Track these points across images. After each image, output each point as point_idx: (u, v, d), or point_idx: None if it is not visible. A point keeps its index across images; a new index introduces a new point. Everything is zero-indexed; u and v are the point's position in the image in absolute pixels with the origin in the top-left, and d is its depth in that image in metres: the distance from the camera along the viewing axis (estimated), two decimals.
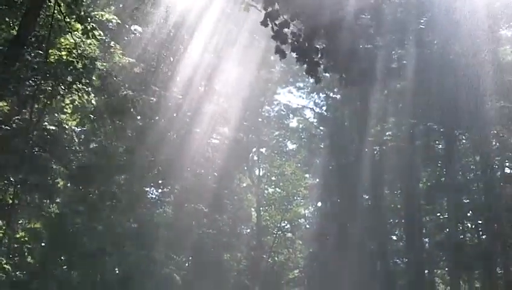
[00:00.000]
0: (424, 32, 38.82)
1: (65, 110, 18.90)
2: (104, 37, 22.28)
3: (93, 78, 17.63)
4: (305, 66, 14.76)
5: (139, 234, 25.69)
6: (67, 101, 18.50)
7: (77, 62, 17.59)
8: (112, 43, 25.94)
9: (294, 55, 14.41)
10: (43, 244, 24.27)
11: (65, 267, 24.91)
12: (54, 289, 23.11)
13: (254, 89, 44.45)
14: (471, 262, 37.01)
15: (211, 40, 36.71)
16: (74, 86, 17.55)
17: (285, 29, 14.18)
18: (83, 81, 17.51)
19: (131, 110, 17.19)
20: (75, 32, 17.70)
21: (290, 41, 14.25)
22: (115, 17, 21.94)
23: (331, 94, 48.54)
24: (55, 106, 18.97)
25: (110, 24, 21.27)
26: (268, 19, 13.81)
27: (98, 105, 18.84)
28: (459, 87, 36.01)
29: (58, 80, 17.14)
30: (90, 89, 18.16)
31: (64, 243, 22.72)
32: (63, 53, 17.71)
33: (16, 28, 16.90)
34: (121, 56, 25.40)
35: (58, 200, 21.68)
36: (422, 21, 39.14)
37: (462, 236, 39.96)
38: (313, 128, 52.07)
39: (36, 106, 19.07)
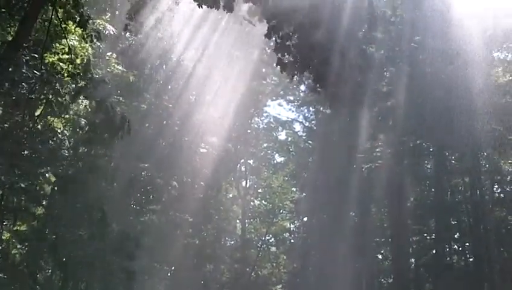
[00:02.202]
0: (416, 52, 38.73)
1: (57, 113, 18.53)
2: (99, 44, 22.02)
3: (88, 84, 17.32)
4: (307, 75, 14.60)
5: (121, 245, 25.13)
6: (60, 106, 18.19)
7: (72, 67, 17.34)
8: (108, 53, 25.69)
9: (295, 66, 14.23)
10: (23, 246, 24.01)
11: (49, 271, 24.58)
12: None
13: (244, 101, 44.19)
14: (457, 284, 36.70)
15: (203, 51, 36.57)
16: (67, 90, 17.26)
17: (288, 42, 14.05)
18: (78, 86, 17.24)
19: (125, 126, 16.84)
20: (73, 36, 17.50)
21: (292, 52, 14.10)
22: (109, 26, 21.69)
23: (321, 108, 48.37)
24: (49, 110, 18.60)
25: (106, 31, 20.96)
26: (272, 32, 13.67)
27: (91, 115, 18.49)
28: (450, 108, 35.88)
29: (53, 84, 16.84)
30: (83, 94, 17.85)
31: (48, 247, 22.37)
32: (57, 58, 17.45)
33: (13, 32, 16.88)
34: (115, 64, 25.09)
35: (44, 203, 21.32)
36: (414, 40, 39.07)
37: (449, 258, 39.70)
38: (301, 142, 51.89)
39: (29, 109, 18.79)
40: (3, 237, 22.02)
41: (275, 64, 14.38)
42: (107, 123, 17.36)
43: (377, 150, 42.28)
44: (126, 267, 24.44)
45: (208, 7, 13.75)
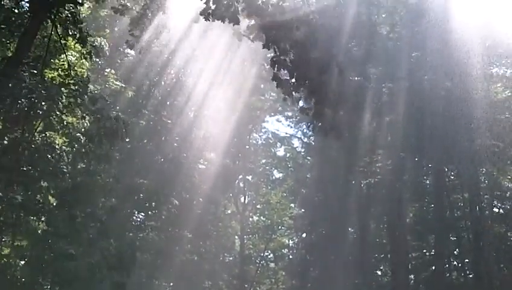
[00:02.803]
0: (414, 68, 38.83)
1: (56, 128, 18.54)
2: (98, 60, 22.13)
3: (86, 99, 17.36)
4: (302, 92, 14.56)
5: (117, 260, 25.00)
6: (59, 121, 18.23)
7: (71, 83, 17.40)
8: (107, 69, 25.80)
9: (292, 80, 14.19)
10: (22, 262, 23.91)
11: (48, 287, 24.45)
12: None
13: (243, 116, 44.32)
14: None
15: (202, 67, 36.70)
16: (68, 107, 17.30)
17: (284, 57, 14.02)
18: (77, 102, 17.26)
19: (124, 130, 16.84)
20: (71, 53, 17.57)
21: (288, 67, 14.07)
22: (106, 43, 21.81)
23: (319, 124, 48.30)
24: (48, 125, 18.62)
25: (105, 48, 21.06)
26: (270, 44, 13.65)
27: (89, 127, 18.49)
28: (449, 124, 35.90)
29: (53, 99, 16.86)
30: (82, 110, 17.87)
31: (47, 263, 22.28)
32: (56, 74, 17.52)
33: (12, 48, 17.09)
34: (114, 80, 25.17)
35: (43, 219, 21.24)
36: (413, 55, 39.20)
37: (448, 274, 39.44)
38: (300, 158, 51.79)
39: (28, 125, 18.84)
40: (2, 253, 21.93)
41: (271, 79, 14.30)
42: (105, 129, 17.35)
43: (377, 164, 42.18)
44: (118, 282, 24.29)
45: (213, 21, 13.77)
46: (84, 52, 17.27)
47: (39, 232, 21.68)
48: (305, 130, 50.43)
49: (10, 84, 16.20)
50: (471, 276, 38.53)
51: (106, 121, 16.38)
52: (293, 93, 14.15)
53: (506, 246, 37.55)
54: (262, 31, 13.83)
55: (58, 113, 17.45)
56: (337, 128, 14.37)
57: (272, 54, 13.87)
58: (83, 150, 19.75)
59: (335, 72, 14.30)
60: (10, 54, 17.05)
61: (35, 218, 20.95)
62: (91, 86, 19.23)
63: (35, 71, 17.55)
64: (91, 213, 22.17)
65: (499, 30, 34.70)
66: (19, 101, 17.41)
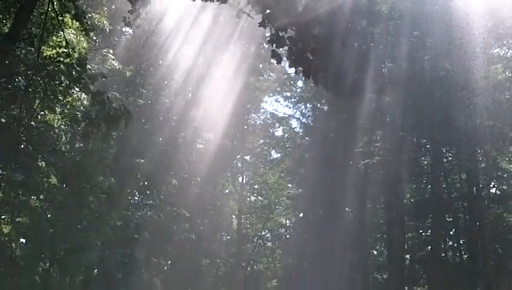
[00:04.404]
0: (415, 47, 38.65)
1: (55, 108, 18.40)
2: (96, 38, 21.95)
3: (84, 78, 17.18)
4: (300, 69, 14.37)
5: (121, 233, 25.30)
6: (58, 100, 18.07)
7: (69, 61, 17.20)
8: (105, 49, 25.62)
9: (288, 59, 14.02)
10: (23, 240, 24.04)
11: (47, 263, 24.67)
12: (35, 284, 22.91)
13: (241, 96, 44.17)
14: (452, 280, 36.81)
15: (201, 46, 36.47)
16: (64, 85, 17.12)
17: (282, 33, 13.80)
18: (76, 80, 17.08)
19: (125, 118, 16.71)
20: (69, 30, 17.33)
21: (287, 45, 13.87)
22: (106, 21, 21.59)
23: (318, 105, 48.33)
24: (46, 104, 18.48)
25: (101, 25, 20.82)
26: (266, 21, 13.44)
27: (88, 109, 18.36)
28: (448, 104, 35.87)
29: (50, 77, 16.70)
30: (81, 88, 17.70)
31: (48, 238, 22.40)
32: (54, 51, 17.30)
33: (9, 25, 16.71)
34: (113, 59, 24.99)
35: (42, 197, 21.29)
36: (414, 35, 38.99)
37: (443, 254, 39.67)
38: (298, 138, 51.80)
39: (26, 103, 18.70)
40: (3, 231, 22.05)
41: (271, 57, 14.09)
42: (104, 115, 17.17)
43: (376, 144, 42.21)
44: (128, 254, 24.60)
45: (203, 0, 13.56)
46: (81, 28, 17.03)
47: (38, 209, 21.75)
48: (303, 111, 50.54)
49: (7, 62, 16.04)
50: (466, 256, 38.78)
51: (106, 106, 16.22)
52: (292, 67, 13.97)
53: (502, 227, 37.78)
54: (259, 7, 13.55)
55: (56, 91, 17.30)
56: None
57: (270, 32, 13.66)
58: (82, 128, 19.65)
59: (335, 50, 14.09)
60: (7, 31, 16.84)
61: (34, 197, 21.00)
62: (90, 65, 19.09)
63: (32, 49, 17.35)
64: (93, 188, 22.22)
65: (500, 11, 34.56)
66: (16, 79, 17.27)
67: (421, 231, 42.65)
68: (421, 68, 37.81)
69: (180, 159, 36.05)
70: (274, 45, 13.62)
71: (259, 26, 13.60)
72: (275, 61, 14.07)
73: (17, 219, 22.65)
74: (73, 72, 17.15)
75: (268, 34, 13.70)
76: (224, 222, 48.12)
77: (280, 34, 13.54)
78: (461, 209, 39.35)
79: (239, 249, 48.33)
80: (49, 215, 22.56)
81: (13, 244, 22.22)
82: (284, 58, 13.84)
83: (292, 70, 14.88)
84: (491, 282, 35.80)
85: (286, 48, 13.77)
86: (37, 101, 18.57)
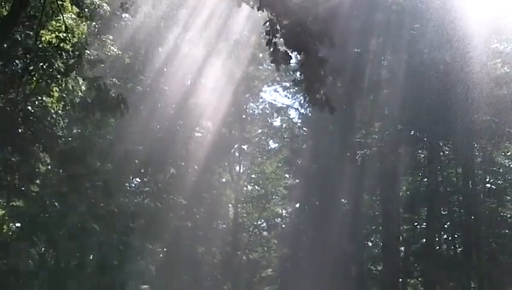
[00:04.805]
0: (414, 40, 38.62)
1: (51, 93, 18.34)
2: (95, 23, 21.86)
3: (83, 64, 17.18)
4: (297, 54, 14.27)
5: (118, 220, 25.39)
6: (55, 85, 18.03)
7: (68, 45, 17.16)
8: (105, 35, 25.53)
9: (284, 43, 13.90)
10: (18, 224, 24.10)
11: (43, 247, 24.79)
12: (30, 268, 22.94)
13: (240, 85, 44.17)
14: (445, 274, 37.02)
15: (200, 34, 36.40)
16: (62, 70, 17.09)
17: (278, 25, 13.75)
18: (74, 66, 17.07)
19: (122, 107, 16.73)
20: (69, 14, 17.28)
21: (283, 35, 13.80)
22: (106, 4, 21.48)
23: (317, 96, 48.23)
24: (43, 89, 18.46)
25: (102, 11, 20.70)
26: (264, 8, 13.40)
27: (86, 95, 18.36)
28: (447, 98, 35.88)
29: (49, 62, 16.66)
30: (79, 73, 17.70)
31: (43, 223, 22.47)
32: (54, 35, 17.25)
33: (7, 8, 16.60)
34: (112, 46, 24.94)
35: (38, 181, 21.32)
36: (414, 27, 38.94)
37: (438, 247, 39.86)
38: (296, 128, 51.79)
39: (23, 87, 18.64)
40: None
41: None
42: (100, 102, 17.18)
43: (374, 136, 42.28)
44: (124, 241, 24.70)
45: None
46: (81, 13, 16.97)
47: (33, 193, 21.79)
48: (301, 101, 50.47)
49: (5, 45, 16.00)
50: (460, 249, 38.99)
51: (102, 92, 16.22)
52: (286, 62, 13.88)
53: (497, 221, 37.89)
54: None
55: (54, 76, 17.28)
56: (329, 102, 14.03)
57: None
58: (79, 113, 19.68)
59: (328, 45, 14.00)
60: (5, 13, 16.76)
61: (30, 182, 21.04)
62: (88, 51, 19.04)
63: (30, 32, 17.30)
64: (90, 174, 22.27)
65: (500, 6, 34.54)
66: (14, 62, 17.21)
67: (416, 224, 42.83)
68: (421, 61, 37.75)
69: (178, 147, 36.10)
70: (270, 36, 13.61)
71: (258, 10, 13.54)
72: (271, 56, 14.03)
73: (11, 203, 22.69)
74: (71, 57, 17.15)
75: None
76: (221, 211, 48.22)
77: (276, 26, 13.52)
78: (456, 203, 39.47)
79: (235, 237, 48.44)
80: (45, 201, 22.56)
81: (5, 227, 22.30)
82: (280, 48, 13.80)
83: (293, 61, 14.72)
84: (485, 275, 36.06)
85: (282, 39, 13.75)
86: (35, 85, 18.54)
